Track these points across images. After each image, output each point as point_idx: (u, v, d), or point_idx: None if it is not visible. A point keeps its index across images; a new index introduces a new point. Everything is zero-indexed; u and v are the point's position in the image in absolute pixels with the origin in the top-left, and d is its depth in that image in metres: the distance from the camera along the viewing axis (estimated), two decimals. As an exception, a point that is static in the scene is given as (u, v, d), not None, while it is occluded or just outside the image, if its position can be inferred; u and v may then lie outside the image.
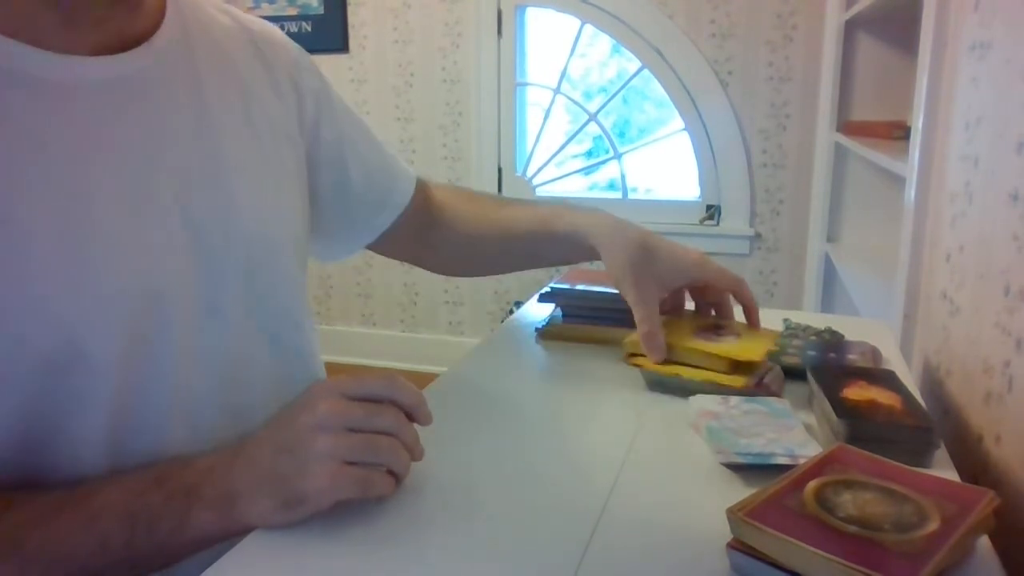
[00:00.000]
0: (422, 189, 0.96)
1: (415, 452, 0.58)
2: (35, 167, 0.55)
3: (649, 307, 0.78)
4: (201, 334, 0.64)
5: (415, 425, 0.59)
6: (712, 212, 2.76)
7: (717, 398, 0.74)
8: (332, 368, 0.78)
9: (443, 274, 1.03)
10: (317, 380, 0.72)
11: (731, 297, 0.86)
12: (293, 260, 0.75)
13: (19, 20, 0.56)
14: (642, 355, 0.80)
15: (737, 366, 0.76)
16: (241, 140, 0.70)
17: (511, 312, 1.50)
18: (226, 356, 0.66)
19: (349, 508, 0.57)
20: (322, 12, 3.01)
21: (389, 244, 0.93)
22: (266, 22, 0.80)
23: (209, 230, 0.64)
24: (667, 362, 0.78)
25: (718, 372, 0.76)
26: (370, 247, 0.94)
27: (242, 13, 0.78)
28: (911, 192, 1.22)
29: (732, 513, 0.51)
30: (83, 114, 0.58)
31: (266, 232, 0.70)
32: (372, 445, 0.54)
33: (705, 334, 0.81)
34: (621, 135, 2.95)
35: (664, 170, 2.89)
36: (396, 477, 0.56)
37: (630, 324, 0.96)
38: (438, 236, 0.95)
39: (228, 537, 0.54)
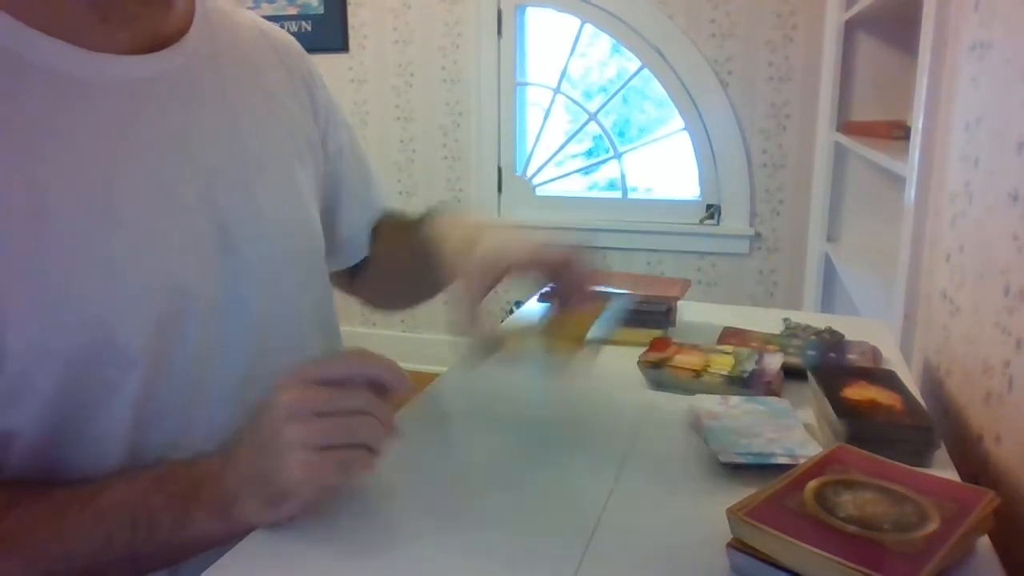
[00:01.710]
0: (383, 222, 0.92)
1: (390, 427, 0.55)
2: (65, 164, 0.56)
3: (470, 283, 0.65)
4: (223, 331, 0.65)
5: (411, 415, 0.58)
6: (712, 212, 2.76)
7: (717, 398, 0.74)
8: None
9: (374, 308, 0.97)
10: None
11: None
12: (314, 260, 0.77)
13: (55, 17, 0.57)
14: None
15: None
16: (264, 142, 0.71)
17: (511, 312, 1.50)
18: (246, 353, 0.67)
19: (349, 508, 0.57)
20: (322, 12, 3.01)
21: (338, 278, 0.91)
22: (285, 32, 0.82)
23: (233, 228, 0.65)
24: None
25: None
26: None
27: (263, 20, 0.79)
28: (911, 192, 1.22)
29: (732, 513, 0.51)
30: (113, 112, 0.59)
31: (288, 232, 0.71)
32: (343, 426, 0.53)
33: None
34: (621, 135, 2.95)
35: (664, 170, 2.89)
36: (376, 454, 0.55)
37: (630, 323, 0.96)
38: (365, 272, 0.92)
39: (232, 537, 0.55)
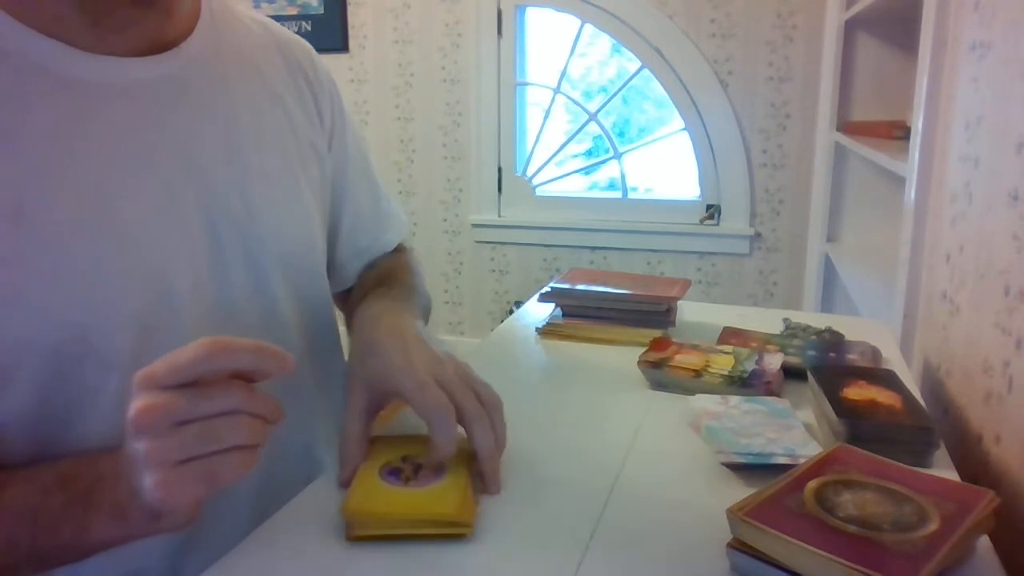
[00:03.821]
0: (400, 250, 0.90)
1: (271, 416, 0.50)
2: (59, 165, 0.56)
3: (351, 415, 0.64)
4: (212, 335, 0.64)
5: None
6: (712, 212, 2.76)
7: (717, 398, 0.74)
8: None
9: None
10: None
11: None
12: (310, 266, 0.75)
13: (49, 18, 0.57)
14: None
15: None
16: (266, 145, 0.70)
17: (511, 312, 1.50)
18: None
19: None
20: (322, 12, 3.01)
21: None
22: (300, 38, 0.80)
23: (227, 234, 0.65)
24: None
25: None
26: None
27: (272, 21, 0.78)
28: (911, 192, 1.22)
29: (732, 513, 0.51)
30: (111, 115, 0.59)
31: (284, 238, 0.70)
32: (205, 435, 0.47)
33: (394, 475, 0.60)
34: (621, 135, 2.95)
35: (664, 170, 2.89)
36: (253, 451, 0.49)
37: (630, 323, 0.96)
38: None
39: (136, 539, 0.53)
